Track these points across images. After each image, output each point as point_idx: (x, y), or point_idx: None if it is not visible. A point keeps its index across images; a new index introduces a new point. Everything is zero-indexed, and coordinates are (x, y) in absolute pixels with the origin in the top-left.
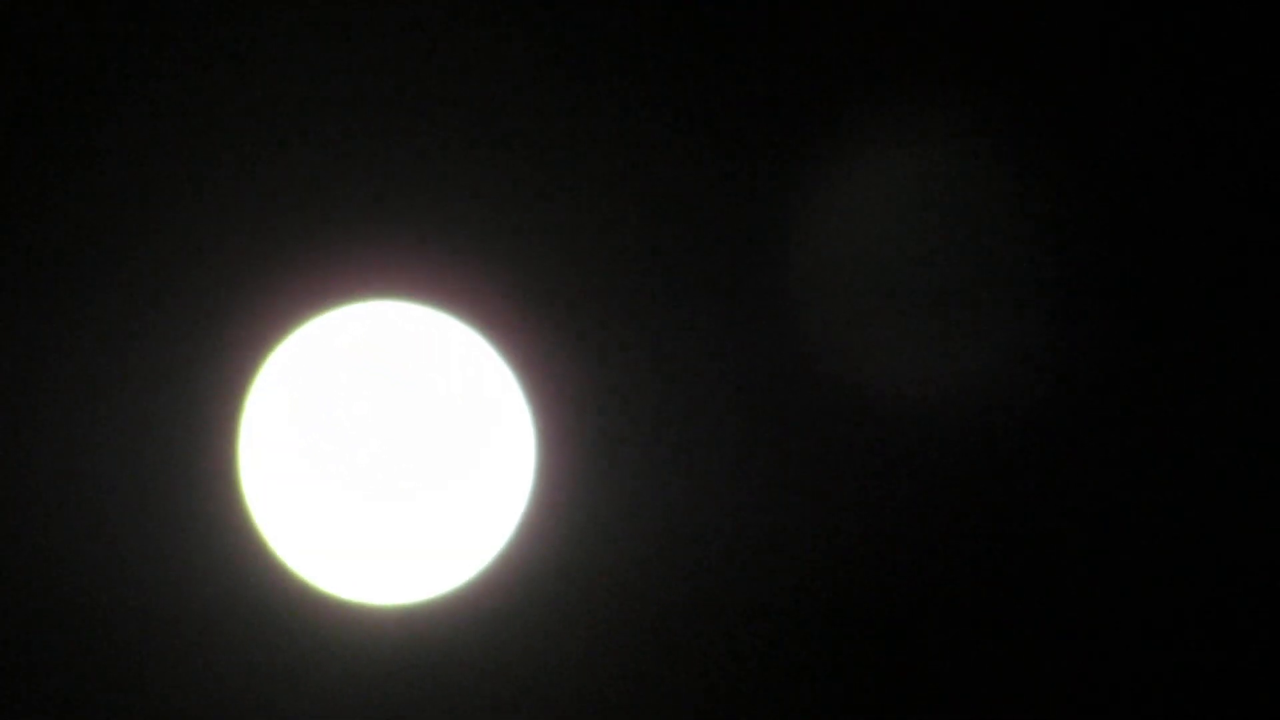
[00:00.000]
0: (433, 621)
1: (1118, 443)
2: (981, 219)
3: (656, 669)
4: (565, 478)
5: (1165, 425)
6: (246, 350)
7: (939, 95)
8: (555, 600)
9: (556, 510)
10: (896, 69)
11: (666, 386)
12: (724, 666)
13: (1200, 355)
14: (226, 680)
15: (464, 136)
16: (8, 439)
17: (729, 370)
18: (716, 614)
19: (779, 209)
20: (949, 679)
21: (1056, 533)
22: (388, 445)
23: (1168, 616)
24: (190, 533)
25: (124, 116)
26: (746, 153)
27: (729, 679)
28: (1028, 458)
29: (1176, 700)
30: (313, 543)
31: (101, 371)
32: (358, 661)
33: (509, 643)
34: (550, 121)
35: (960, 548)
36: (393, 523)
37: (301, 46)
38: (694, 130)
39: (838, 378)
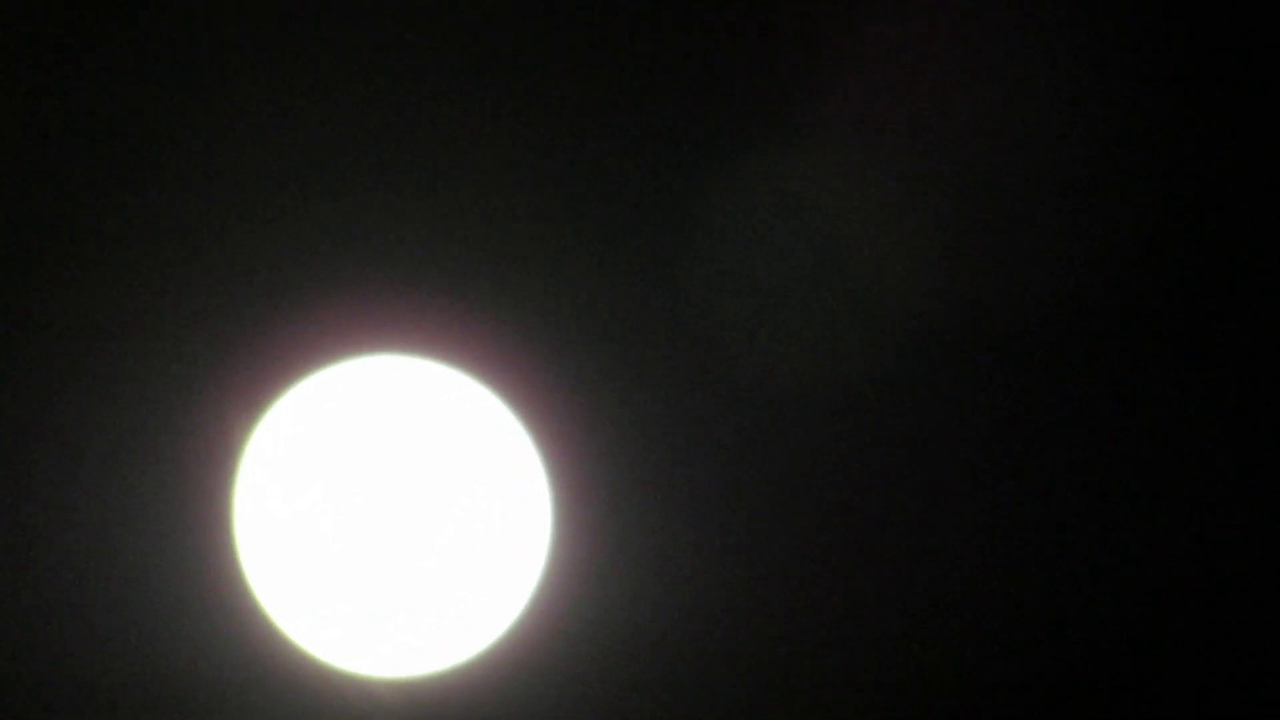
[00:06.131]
0: (441, 696)
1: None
2: None
3: None
4: (582, 545)
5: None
6: (244, 406)
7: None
8: (570, 671)
9: (572, 580)
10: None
11: (686, 450)
12: None
13: None
14: None
15: (483, 190)
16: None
17: (749, 435)
18: (734, 683)
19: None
20: None
21: None
22: (395, 509)
23: None
24: (187, 605)
25: (114, 177)
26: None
27: None
28: None
29: None
30: (315, 613)
31: (93, 436)
32: None
33: (522, 716)
34: (571, 179)
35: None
36: (400, 591)
37: (307, 97)
38: (709, 195)
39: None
